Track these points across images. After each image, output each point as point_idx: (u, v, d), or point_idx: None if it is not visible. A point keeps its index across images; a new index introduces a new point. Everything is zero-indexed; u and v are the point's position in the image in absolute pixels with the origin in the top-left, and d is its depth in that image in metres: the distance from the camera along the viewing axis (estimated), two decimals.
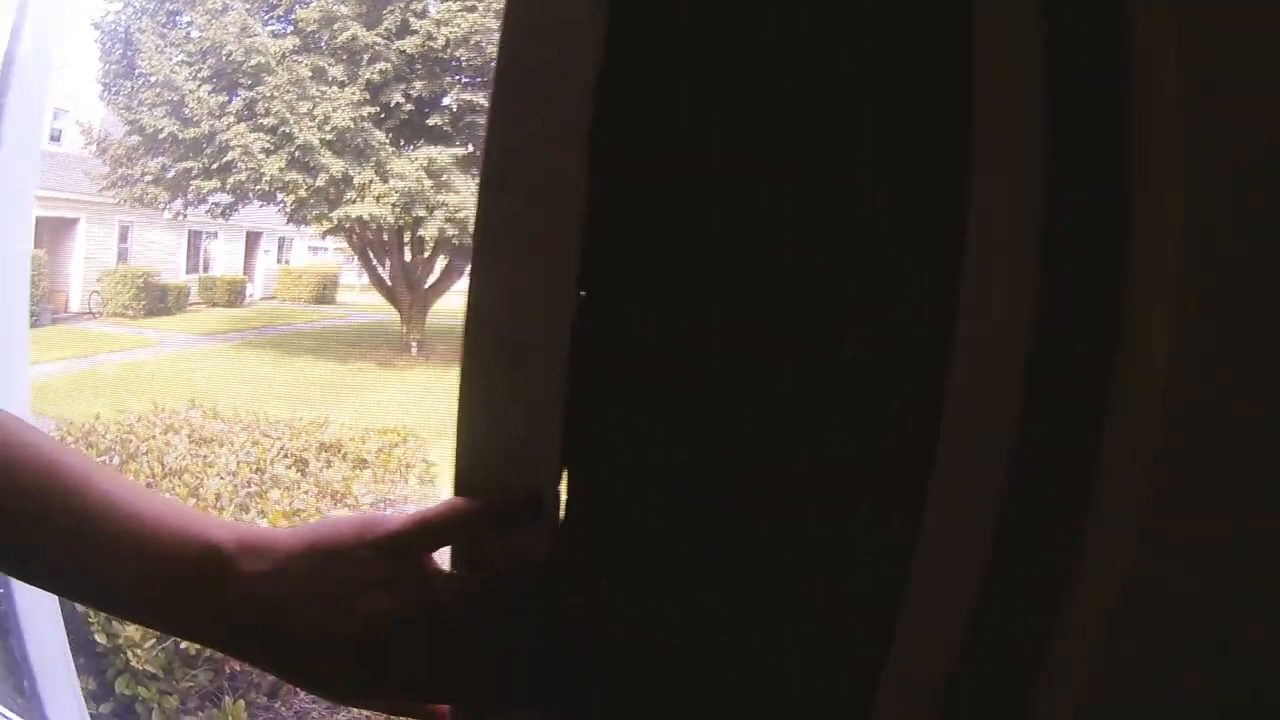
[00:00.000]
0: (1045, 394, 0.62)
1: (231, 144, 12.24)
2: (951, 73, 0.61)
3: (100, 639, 3.57)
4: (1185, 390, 0.56)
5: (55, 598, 1.87)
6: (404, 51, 12.04)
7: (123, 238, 15.21)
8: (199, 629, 0.68)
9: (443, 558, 0.73)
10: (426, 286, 13.46)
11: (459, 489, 0.70)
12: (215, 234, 16.40)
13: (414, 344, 13.24)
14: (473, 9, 11.83)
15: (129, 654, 3.54)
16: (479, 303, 0.69)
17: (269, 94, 11.90)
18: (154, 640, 3.54)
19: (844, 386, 0.66)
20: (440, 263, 13.60)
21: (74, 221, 14.00)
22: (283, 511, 4.10)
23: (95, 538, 0.65)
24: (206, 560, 0.65)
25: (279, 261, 17.95)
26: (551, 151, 0.67)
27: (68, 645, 1.90)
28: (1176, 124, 0.54)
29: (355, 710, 3.82)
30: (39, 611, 1.85)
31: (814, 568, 0.68)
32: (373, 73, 11.99)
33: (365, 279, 15.20)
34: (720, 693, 0.73)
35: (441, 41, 11.95)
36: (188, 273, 15.99)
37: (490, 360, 0.69)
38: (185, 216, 13.82)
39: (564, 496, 0.71)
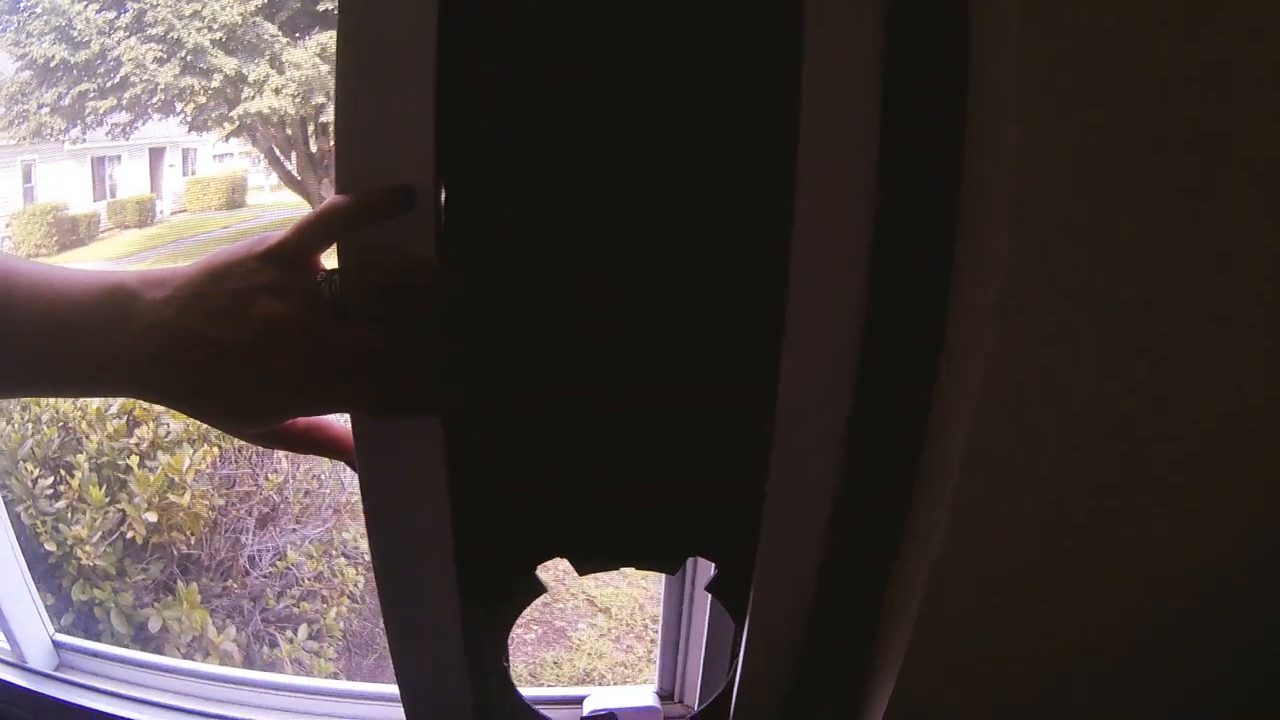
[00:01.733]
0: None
1: (124, 59, 11.94)
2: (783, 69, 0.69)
3: (50, 546, 3.64)
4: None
5: (4, 514, 1.90)
6: None
7: (26, 177, 14.96)
8: (108, 369, 0.72)
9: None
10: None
11: (339, 190, 0.74)
12: (119, 157, 16.14)
13: None
14: None
15: (79, 553, 3.60)
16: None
17: (155, 1, 11.49)
18: (100, 535, 3.60)
19: None
20: None
21: None
22: None
23: (19, 307, 0.69)
24: (111, 296, 0.70)
25: (185, 175, 17.55)
26: None
27: (23, 559, 1.92)
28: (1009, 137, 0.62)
29: (316, 569, 3.89)
30: None
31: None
32: None
33: (274, 178, 14.92)
34: (621, 388, 0.84)
35: None
36: (95, 200, 15.69)
37: (361, 66, 0.72)
38: (84, 140, 13.44)
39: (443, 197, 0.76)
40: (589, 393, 0.84)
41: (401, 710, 1.47)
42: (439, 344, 0.74)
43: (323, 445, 0.83)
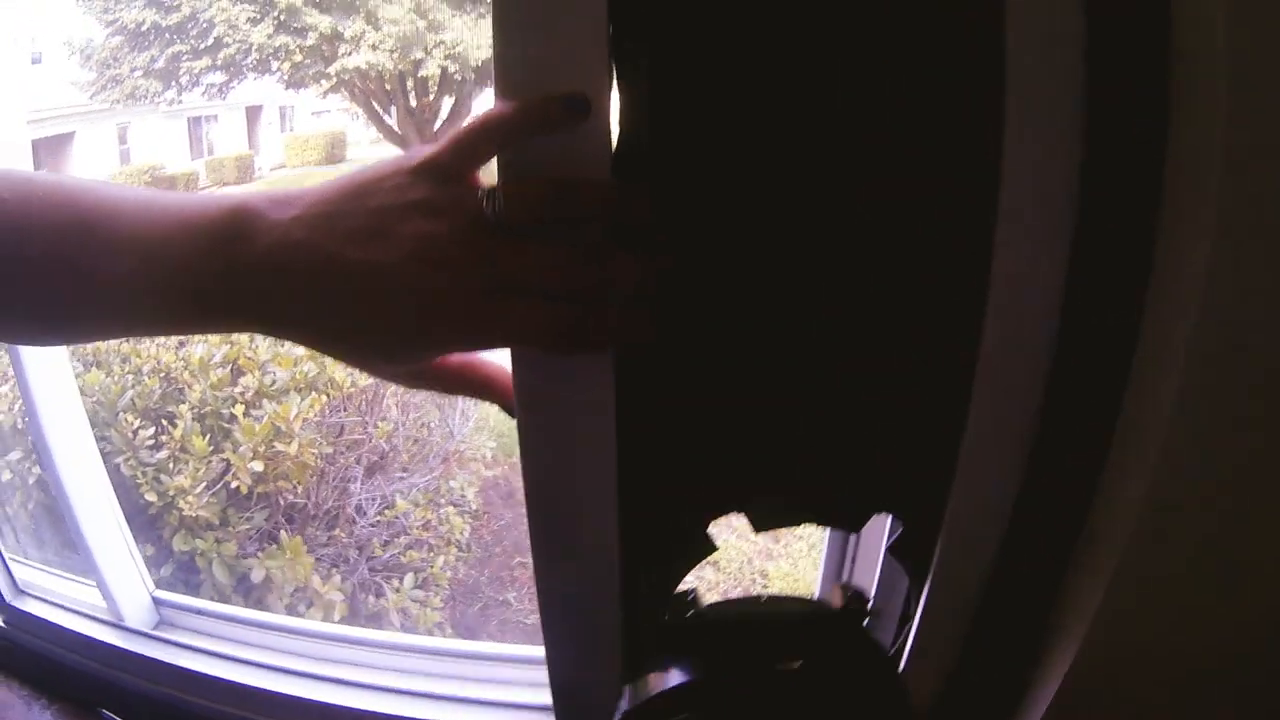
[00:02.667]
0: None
1: (216, 20, 12.03)
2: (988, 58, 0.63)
3: (150, 497, 3.58)
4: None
5: (102, 468, 1.80)
6: None
7: (121, 139, 15.46)
8: (228, 300, 0.63)
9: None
10: (436, 128, 13.35)
11: (501, 96, 0.64)
12: (215, 116, 16.55)
13: None
14: None
15: (180, 504, 3.55)
16: None
17: None
18: (203, 485, 3.53)
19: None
20: (446, 102, 13.55)
21: (69, 136, 14.01)
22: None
23: (115, 241, 0.62)
24: (233, 217, 0.62)
25: (284, 132, 17.96)
26: None
27: (122, 515, 1.83)
28: (1214, 132, 0.56)
29: (424, 516, 3.88)
30: (87, 484, 1.78)
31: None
32: None
33: (374, 132, 15.16)
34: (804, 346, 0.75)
35: None
36: (193, 159, 16.15)
37: None
38: (180, 101, 13.73)
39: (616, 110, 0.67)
40: (781, 331, 0.75)
41: (511, 671, 1.36)
42: (622, 268, 0.64)
43: (475, 385, 0.74)
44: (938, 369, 0.75)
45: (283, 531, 3.77)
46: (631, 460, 0.77)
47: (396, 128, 14.41)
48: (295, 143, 17.88)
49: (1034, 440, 0.75)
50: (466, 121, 0.64)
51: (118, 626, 1.69)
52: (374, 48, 12.29)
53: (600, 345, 0.66)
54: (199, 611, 1.72)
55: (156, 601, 1.73)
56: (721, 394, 0.78)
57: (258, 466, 3.69)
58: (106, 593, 1.69)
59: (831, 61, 0.67)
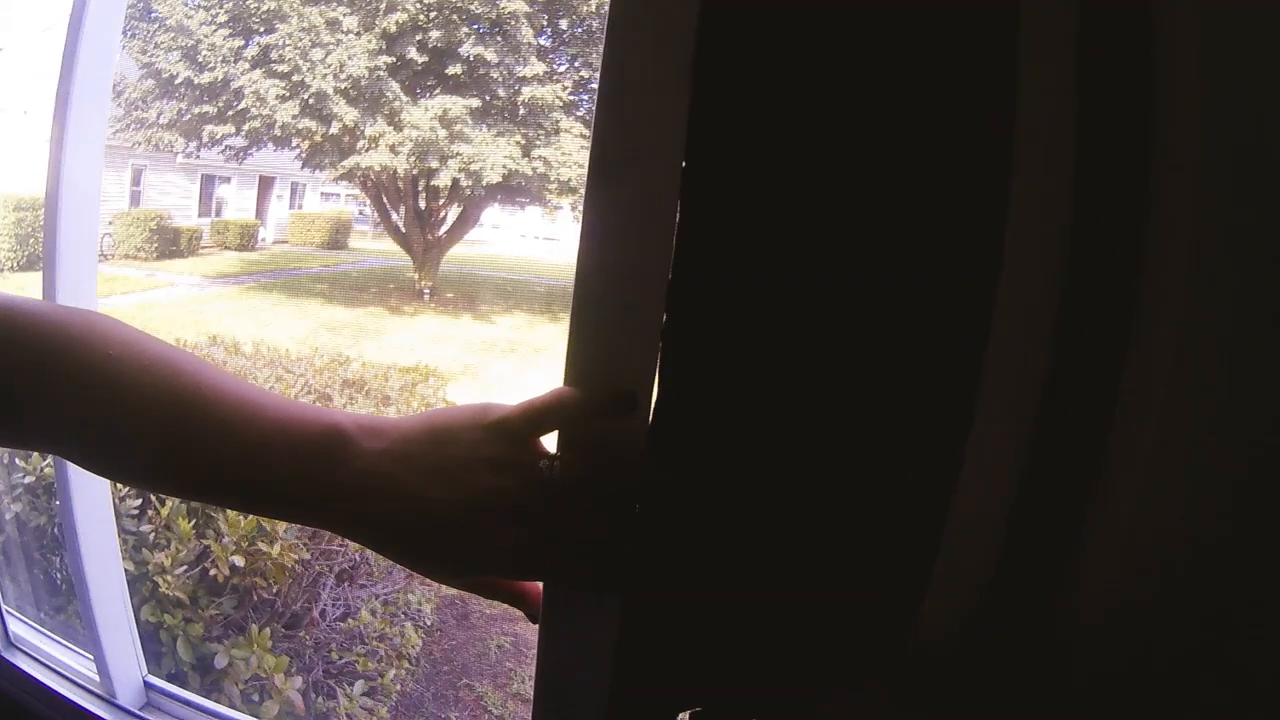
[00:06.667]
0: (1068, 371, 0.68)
1: (246, 90, 12.09)
2: (993, 89, 0.66)
3: (128, 565, 3.56)
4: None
5: (113, 528, 1.87)
6: (421, 0, 11.87)
7: (135, 180, 15.33)
8: (316, 505, 0.72)
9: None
10: (440, 234, 13.43)
11: (568, 382, 0.77)
12: (229, 179, 16.60)
13: (426, 290, 13.60)
14: None
15: (158, 580, 3.54)
16: (590, 232, 0.75)
17: (282, 41, 11.72)
18: (184, 567, 3.53)
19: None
20: (453, 211, 13.65)
21: None
22: None
23: (216, 426, 0.69)
24: (328, 437, 0.70)
25: (292, 207, 17.86)
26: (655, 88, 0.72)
27: (125, 580, 1.90)
28: (1196, 133, 0.58)
29: (381, 629, 3.86)
30: (104, 566, 1.85)
31: (880, 459, 0.75)
32: (389, 22, 11.79)
33: (378, 225, 15.17)
34: (796, 589, 0.81)
35: None
36: (200, 216, 16.20)
37: (599, 279, 0.76)
38: (198, 156, 13.71)
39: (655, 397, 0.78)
40: (754, 598, 0.83)
41: None
42: (641, 535, 0.78)
43: (511, 595, 0.83)
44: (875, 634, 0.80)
45: (252, 625, 3.76)
46: (621, 677, 0.86)
47: (401, 226, 14.43)
48: (301, 221, 17.75)
49: None
50: (540, 394, 0.75)
51: (108, 701, 1.75)
52: (393, 150, 12.44)
53: (615, 590, 0.80)
54: (186, 702, 1.79)
55: (147, 685, 1.79)
56: (699, 632, 0.85)
57: (239, 561, 3.69)
58: (103, 668, 1.77)
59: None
